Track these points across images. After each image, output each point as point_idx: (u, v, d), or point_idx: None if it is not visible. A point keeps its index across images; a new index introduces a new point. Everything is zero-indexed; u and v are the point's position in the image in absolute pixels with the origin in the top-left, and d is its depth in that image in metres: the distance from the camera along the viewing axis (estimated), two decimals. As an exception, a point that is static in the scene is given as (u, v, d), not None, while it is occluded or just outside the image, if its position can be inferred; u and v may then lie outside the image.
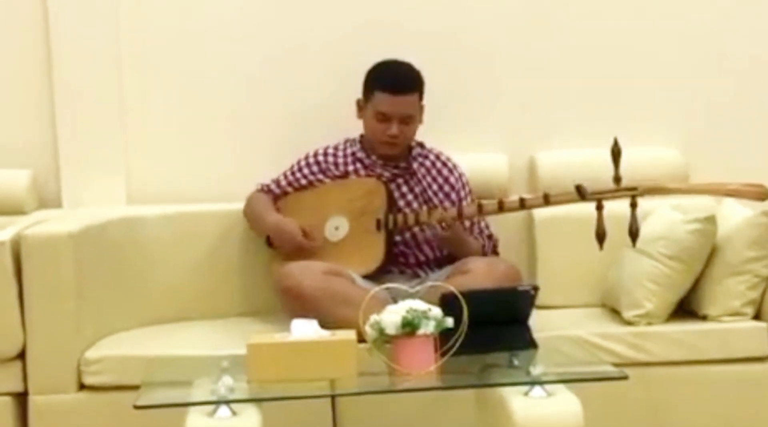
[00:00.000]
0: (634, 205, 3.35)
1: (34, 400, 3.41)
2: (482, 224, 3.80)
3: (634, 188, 3.36)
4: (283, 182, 3.90)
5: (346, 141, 3.90)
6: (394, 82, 3.71)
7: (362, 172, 3.82)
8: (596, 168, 3.59)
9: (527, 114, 4.18)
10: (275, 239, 3.78)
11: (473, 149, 4.07)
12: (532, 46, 4.17)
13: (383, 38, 3.99)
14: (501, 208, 3.58)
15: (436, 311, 2.87)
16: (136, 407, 2.75)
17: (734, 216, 3.68)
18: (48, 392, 3.40)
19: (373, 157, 3.83)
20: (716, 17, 4.20)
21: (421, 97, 3.77)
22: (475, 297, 2.93)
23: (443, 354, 2.87)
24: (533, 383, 2.82)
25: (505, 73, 4.17)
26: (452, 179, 3.85)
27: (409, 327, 2.82)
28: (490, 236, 3.80)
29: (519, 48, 4.17)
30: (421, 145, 3.89)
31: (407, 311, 2.84)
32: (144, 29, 4.10)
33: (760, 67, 4.21)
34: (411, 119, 3.74)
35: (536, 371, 2.83)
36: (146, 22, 4.10)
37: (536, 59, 4.18)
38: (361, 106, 3.80)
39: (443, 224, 3.59)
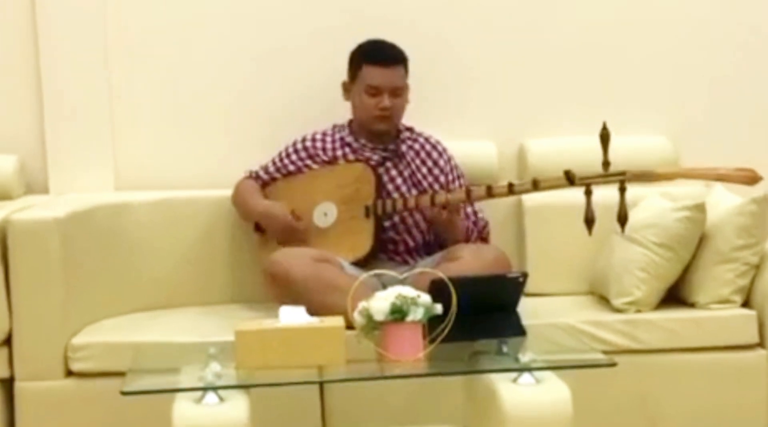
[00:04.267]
0: (622, 190, 3.34)
1: (20, 386, 3.40)
2: (469, 210, 3.79)
3: (622, 173, 3.35)
4: (272, 169, 3.89)
5: (334, 126, 3.89)
6: (382, 54, 3.74)
7: (351, 156, 3.81)
8: (586, 156, 3.57)
9: (516, 101, 4.17)
10: (265, 224, 3.77)
11: (462, 137, 4.06)
12: (522, 33, 4.16)
13: (372, 25, 3.96)
14: (490, 193, 3.57)
15: (425, 298, 2.86)
16: (123, 394, 2.74)
17: (723, 204, 3.67)
18: (34, 378, 3.39)
19: (362, 141, 3.82)
20: (705, 4, 4.20)
21: (407, 72, 3.78)
22: (464, 284, 2.93)
23: (432, 341, 2.86)
24: (522, 370, 2.82)
25: (494, 60, 4.16)
26: (441, 162, 3.84)
27: (398, 314, 2.82)
28: (475, 222, 3.79)
29: (508, 35, 4.16)
30: (410, 129, 3.88)
31: (396, 298, 2.83)
32: (132, 15, 4.08)
33: (749, 54, 4.21)
34: (401, 91, 3.75)
35: (525, 358, 2.83)
36: (134, 8, 4.08)
37: (525, 47, 4.17)
38: (348, 87, 3.80)
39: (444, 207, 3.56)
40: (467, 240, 3.71)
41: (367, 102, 3.74)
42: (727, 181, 3.49)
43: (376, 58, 3.72)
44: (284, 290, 3.42)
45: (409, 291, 2.86)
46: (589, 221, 3.32)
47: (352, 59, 3.77)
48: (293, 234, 3.68)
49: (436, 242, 3.74)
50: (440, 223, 3.63)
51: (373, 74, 3.71)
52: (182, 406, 2.69)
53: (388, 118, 3.76)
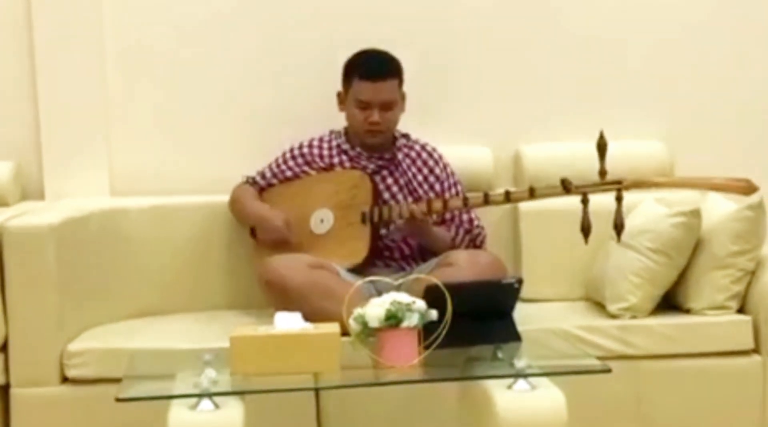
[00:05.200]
0: (619, 199, 3.34)
1: (16, 393, 3.39)
2: (464, 217, 3.79)
3: (619, 182, 3.36)
4: (269, 174, 3.89)
5: (331, 133, 3.89)
6: (372, 68, 3.72)
7: (347, 163, 3.81)
8: (581, 161, 3.59)
9: (512, 107, 4.18)
10: (260, 230, 3.77)
11: (458, 142, 4.06)
12: (517, 38, 4.17)
13: (368, 31, 3.97)
14: (486, 201, 3.57)
15: (420, 304, 2.86)
16: (118, 400, 2.74)
17: (719, 210, 3.68)
18: (30, 384, 3.39)
19: (358, 149, 3.82)
20: (701, 11, 4.20)
21: (400, 84, 3.77)
22: (459, 290, 2.92)
23: (427, 347, 2.86)
24: (517, 376, 2.82)
25: (490, 65, 4.17)
26: (437, 170, 3.84)
27: (393, 320, 2.82)
28: (469, 231, 3.78)
29: (504, 41, 4.16)
30: (406, 136, 3.89)
31: (391, 304, 2.83)
32: (129, 21, 4.08)
33: (744, 61, 4.22)
34: (392, 105, 3.74)
35: (520, 364, 2.83)
36: (131, 14, 4.08)
37: (521, 52, 4.17)
38: (342, 98, 3.80)
39: (413, 217, 3.57)
40: (454, 248, 3.71)
41: (357, 115, 3.74)
42: (723, 191, 3.50)
43: (366, 73, 3.70)
44: (280, 296, 3.42)
45: (404, 297, 2.86)
46: (586, 230, 3.33)
47: (345, 71, 3.77)
48: (285, 245, 3.67)
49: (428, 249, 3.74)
50: (413, 236, 3.64)
51: (363, 89, 3.71)
52: (177, 412, 2.69)
53: (379, 132, 3.76)
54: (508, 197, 3.56)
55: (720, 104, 4.22)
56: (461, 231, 3.77)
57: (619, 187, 3.36)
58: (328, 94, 3.82)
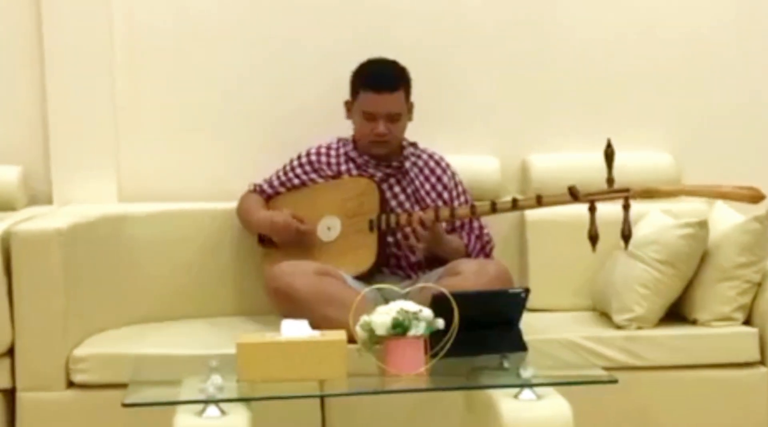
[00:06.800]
0: (626, 207, 3.34)
1: (22, 397, 3.40)
2: (474, 224, 3.79)
3: (626, 190, 3.36)
4: (276, 182, 3.90)
5: (339, 140, 3.90)
6: (377, 80, 3.72)
7: (355, 171, 3.82)
8: (589, 171, 3.59)
9: (520, 117, 4.18)
10: (271, 233, 3.76)
11: (465, 152, 4.07)
12: (525, 49, 4.17)
13: (375, 38, 3.99)
14: (494, 209, 3.58)
15: (427, 313, 2.86)
16: (125, 406, 2.74)
17: (726, 221, 3.68)
18: (36, 389, 3.39)
19: (366, 157, 3.83)
20: (708, 22, 4.21)
21: (407, 95, 3.77)
22: (466, 299, 2.93)
23: (433, 356, 2.86)
24: (523, 385, 2.82)
25: (498, 76, 4.17)
26: (445, 178, 3.84)
27: (400, 328, 2.82)
28: (479, 237, 3.79)
29: (512, 51, 4.17)
30: (413, 145, 3.89)
31: (398, 312, 2.83)
32: (137, 27, 4.09)
33: (752, 71, 4.22)
34: (397, 117, 3.74)
35: (526, 373, 2.83)
36: (139, 20, 4.09)
37: (529, 62, 4.17)
38: (349, 107, 3.81)
39: (423, 225, 3.57)
40: (467, 256, 3.71)
41: (364, 126, 3.75)
42: (730, 199, 3.50)
43: (373, 85, 3.70)
44: (286, 303, 3.43)
45: (410, 306, 2.87)
46: (593, 238, 3.33)
47: (353, 81, 3.78)
48: (301, 237, 3.67)
49: (438, 257, 3.73)
50: (427, 243, 3.64)
51: (369, 100, 3.71)
52: (183, 418, 2.69)
53: (385, 142, 3.76)
54: (515, 205, 3.57)
55: (727, 114, 4.22)
56: (472, 237, 3.78)
57: (626, 195, 3.36)
58: (336, 101, 3.83)
